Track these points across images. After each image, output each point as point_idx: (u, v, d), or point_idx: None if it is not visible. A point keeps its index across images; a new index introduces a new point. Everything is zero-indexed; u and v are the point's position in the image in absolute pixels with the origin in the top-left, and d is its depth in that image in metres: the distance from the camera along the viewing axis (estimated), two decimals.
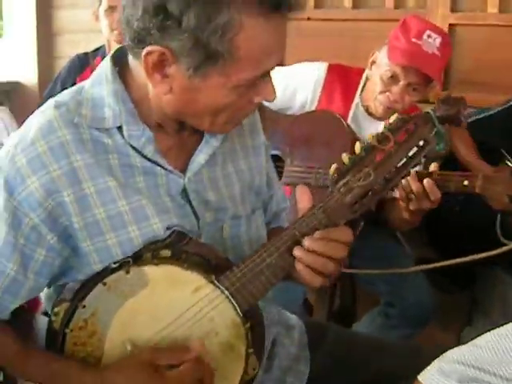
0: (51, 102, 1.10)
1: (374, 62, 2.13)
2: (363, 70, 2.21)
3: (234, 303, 1.10)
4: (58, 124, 1.06)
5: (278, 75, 2.30)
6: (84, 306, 1.05)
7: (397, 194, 1.93)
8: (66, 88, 1.17)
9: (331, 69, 2.25)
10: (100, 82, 1.11)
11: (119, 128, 1.09)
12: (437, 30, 2.06)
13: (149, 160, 1.11)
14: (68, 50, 3.56)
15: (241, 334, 1.13)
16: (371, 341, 1.55)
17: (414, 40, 2.01)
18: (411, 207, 1.72)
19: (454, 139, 2.06)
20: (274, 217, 1.40)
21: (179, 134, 1.16)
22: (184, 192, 1.15)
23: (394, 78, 2.04)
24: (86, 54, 3.05)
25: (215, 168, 1.20)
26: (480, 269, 2.29)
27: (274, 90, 1.09)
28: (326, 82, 2.24)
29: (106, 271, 1.07)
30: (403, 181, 1.68)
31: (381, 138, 1.10)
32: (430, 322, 2.21)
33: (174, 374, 1.03)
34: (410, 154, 1.12)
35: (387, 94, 2.06)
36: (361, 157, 1.10)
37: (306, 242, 1.08)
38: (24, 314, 1.14)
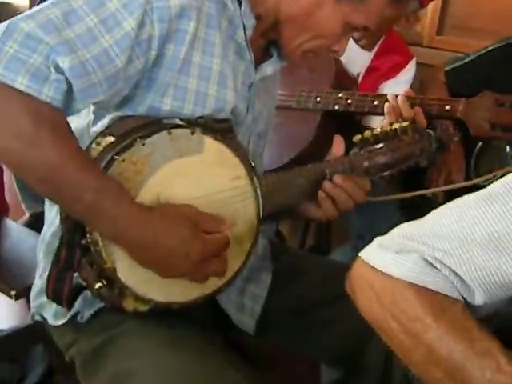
0: None
1: None
2: None
3: (260, 203, 1.21)
4: None
5: None
6: (144, 144, 1.05)
7: (377, 124, 1.95)
8: None
9: None
10: None
11: (239, 3, 1.16)
12: None
13: (246, 42, 1.19)
14: None
15: (252, 234, 1.22)
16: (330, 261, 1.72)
17: None
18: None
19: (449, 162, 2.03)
20: None
21: (261, 36, 1.25)
22: (249, 87, 1.25)
23: None
24: None
25: (263, 88, 1.31)
26: None
27: (346, 47, 1.28)
28: None
29: (172, 123, 1.10)
30: (395, 102, 1.72)
31: (401, 131, 1.42)
32: None
33: (212, 238, 1.09)
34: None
35: None
36: (381, 137, 1.40)
37: (337, 177, 1.29)
38: None
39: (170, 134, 1.07)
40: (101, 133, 1.08)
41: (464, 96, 1.74)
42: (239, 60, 1.20)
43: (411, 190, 1.69)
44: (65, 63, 0.92)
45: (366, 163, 1.37)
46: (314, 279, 1.43)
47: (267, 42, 1.28)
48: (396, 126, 1.42)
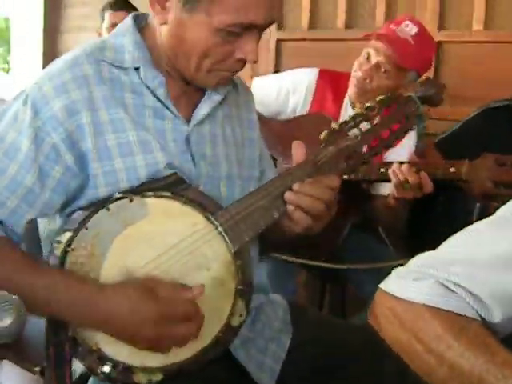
0: (79, 48, 1.23)
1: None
2: None
3: (227, 239, 1.17)
4: (82, 60, 1.18)
5: (271, 80, 2.41)
6: (87, 228, 1.10)
7: (385, 190, 2.02)
8: None
9: (322, 74, 2.33)
10: (122, 33, 1.25)
11: (136, 69, 1.21)
12: (417, 23, 2.13)
13: (160, 102, 1.22)
14: None
15: (231, 271, 1.18)
16: (350, 325, 1.65)
17: (391, 26, 2.11)
18: (403, 195, 1.79)
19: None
20: None
21: (187, 85, 1.26)
22: (187, 140, 1.24)
23: (368, 60, 2.12)
24: None
25: (215, 125, 1.30)
26: None
27: (256, 51, 1.18)
28: (318, 86, 2.31)
29: (111, 199, 1.13)
30: (400, 170, 1.77)
31: (368, 108, 1.28)
32: None
33: (168, 299, 1.10)
34: (394, 128, 1.31)
35: (358, 72, 2.14)
36: (349, 123, 1.27)
37: (295, 185, 1.22)
38: None
39: (108, 210, 1.12)
40: (59, 231, 1.14)
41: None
42: (160, 120, 1.22)
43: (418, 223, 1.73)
44: None
45: (336, 155, 1.26)
46: (331, 342, 1.42)
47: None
48: (362, 105, 1.31)
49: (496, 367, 0.79)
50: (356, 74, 2.15)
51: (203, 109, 1.27)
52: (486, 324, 0.86)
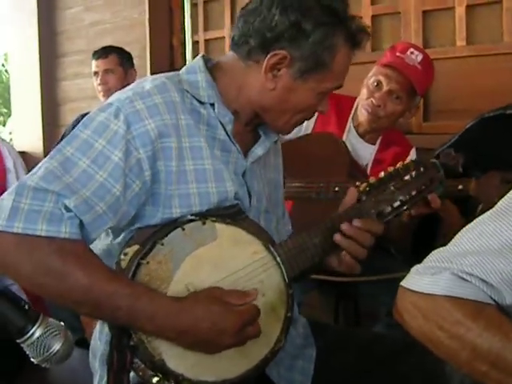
0: (158, 75, 1.32)
1: (364, 87, 2.32)
2: (355, 98, 2.39)
3: (283, 269, 1.29)
4: (170, 86, 1.28)
5: None
6: (162, 244, 1.19)
7: None
8: None
9: None
10: (194, 71, 1.35)
11: (212, 105, 1.32)
12: (420, 49, 2.29)
13: (228, 137, 1.33)
14: (72, 118, 3.76)
15: (283, 299, 1.30)
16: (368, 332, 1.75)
17: (398, 54, 2.23)
18: (413, 213, 1.89)
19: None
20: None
21: (244, 126, 1.39)
22: (243, 174, 1.36)
23: (378, 86, 2.23)
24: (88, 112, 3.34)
25: (259, 166, 1.43)
26: None
27: (328, 104, 1.40)
28: None
29: (184, 219, 1.23)
30: None
31: (404, 169, 1.48)
32: None
33: (243, 310, 1.20)
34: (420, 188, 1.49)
35: (371, 99, 2.25)
36: (386, 179, 1.46)
37: (343, 225, 1.36)
38: None
39: (183, 229, 1.21)
40: (126, 243, 1.22)
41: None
42: (226, 153, 1.33)
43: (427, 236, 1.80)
44: (71, 204, 1.11)
45: (373, 209, 1.42)
46: (354, 352, 1.50)
47: (254, 126, 1.41)
48: (398, 165, 1.49)
49: (510, 342, 0.89)
50: (368, 101, 2.25)
51: (258, 150, 1.39)
52: (499, 307, 0.96)
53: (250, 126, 1.40)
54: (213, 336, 1.17)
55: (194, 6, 3.74)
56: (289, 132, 1.43)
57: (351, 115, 2.39)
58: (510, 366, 0.88)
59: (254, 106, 1.35)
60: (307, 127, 2.39)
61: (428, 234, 2.20)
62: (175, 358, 1.17)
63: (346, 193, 2.00)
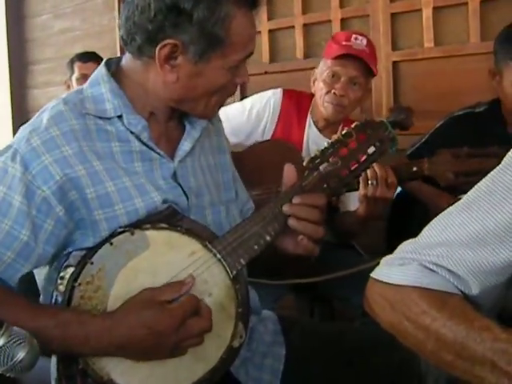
0: (59, 99, 1.26)
1: (315, 80, 2.35)
2: (313, 95, 2.41)
3: (225, 265, 1.24)
4: (68, 115, 1.22)
5: (237, 106, 2.51)
6: (92, 263, 1.15)
7: (355, 204, 2.12)
8: None
9: (286, 93, 2.44)
10: (97, 83, 1.29)
11: (119, 117, 1.26)
12: (360, 33, 2.32)
13: (145, 145, 1.27)
14: None
15: (232, 295, 1.24)
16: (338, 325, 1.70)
17: (344, 43, 2.26)
18: (372, 194, 1.90)
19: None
20: (240, 214, 1.52)
21: (167, 123, 1.33)
22: (174, 176, 1.30)
23: (335, 78, 2.25)
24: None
25: (194, 158, 1.36)
26: None
27: (247, 71, 1.31)
28: (283, 105, 2.42)
29: (113, 233, 1.19)
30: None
31: (345, 135, 1.38)
32: None
33: (176, 306, 1.15)
34: (370, 152, 1.40)
35: (333, 91, 2.26)
36: (329, 149, 1.36)
37: (284, 207, 1.28)
38: None
39: (111, 244, 1.17)
40: (61, 267, 1.18)
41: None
42: (148, 162, 1.27)
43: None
44: None
45: (318, 184, 1.33)
46: (326, 348, 1.47)
47: (178, 119, 1.35)
48: (339, 132, 1.40)
49: (475, 331, 0.88)
50: (330, 94, 2.27)
51: (185, 145, 1.33)
52: (466, 297, 0.96)
53: (174, 121, 1.35)
54: (153, 341, 1.13)
55: None
56: (213, 115, 1.38)
57: (309, 111, 2.41)
58: (475, 355, 0.87)
59: (166, 102, 1.29)
60: (271, 124, 2.41)
61: (402, 232, 2.22)
62: (124, 375, 1.15)
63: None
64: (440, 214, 1.02)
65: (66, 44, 4.00)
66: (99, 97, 1.27)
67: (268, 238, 1.28)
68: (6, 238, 1.14)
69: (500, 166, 0.97)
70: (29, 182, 1.15)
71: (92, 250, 1.17)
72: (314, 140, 2.40)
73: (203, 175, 1.38)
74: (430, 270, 0.97)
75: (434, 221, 1.03)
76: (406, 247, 1.03)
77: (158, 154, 1.28)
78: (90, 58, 3.20)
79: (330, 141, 1.37)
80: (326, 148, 1.36)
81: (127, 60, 1.30)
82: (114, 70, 1.32)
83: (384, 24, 2.93)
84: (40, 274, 1.29)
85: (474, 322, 0.90)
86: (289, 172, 1.33)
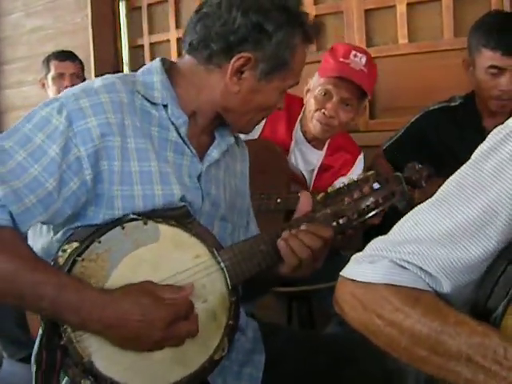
0: (113, 75, 1.32)
1: (308, 90, 2.27)
2: (303, 99, 2.32)
3: (227, 276, 1.26)
4: (119, 87, 1.27)
5: None
6: (100, 242, 1.16)
7: None
8: None
9: None
10: (150, 72, 1.35)
11: (165, 106, 1.31)
12: (361, 50, 2.25)
13: (182, 139, 1.32)
14: None
15: (226, 306, 1.26)
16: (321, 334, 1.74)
17: (341, 59, 2.17)
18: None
19: None
20: None
21: (202, 127, 1.39)
22: (198, 177, 1.35)
23: (327, 96, 2.17)
24: None
25: (218, 171, 1.42)
26: None
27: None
28: None
29: (125, 218, 1.20)
30: None
31: (362, 180, 1.48)
32: None
33: (173, 304, 1.17)
34: (380, 201, 1.48)
35: (322, 110, 2.19)
36: (344, 190, 1.46)
37: (284, 233, 1.34)
38: None
39: (123, 228, 1.18)
40: (66, 240, 1.20)
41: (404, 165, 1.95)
42: (180, 156, 1.32)
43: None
44: (0, 192, 1.10)
45: (327, 220, 1.40)
46: (305, 355, 1.48)
47: (211, 130, 1.40)
48: (357, 177, 1.49)
49: (449, 326, 0.87)
50: (319, 113, 2.20)
51: (214, 153, 1.38)
52: (438, 295, 0.95)
53: (208, 129, 1.40)
54: (142, 329, 1.13)
55: (137, 9, 3.71)
56: (250, 131, 1.45)
57: (299, 117, 2.35)
58: (450, 350, 0.86)
59: (216, 108, 1.35)
60: (257, 128, 2.35)
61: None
62: (105, 360, 1.13)
63: (287, 204, 2.06)
64: (411, 211, 1.01)
65: (39, 43, 3.93)
66: (150, 84, 1.33)
67: (274, 259, 1.33)
68: (32, 182, 1.14)
69: (470, 161, 0.95)
70: (69, 138, 1.17)
71: (102, 230, 1.18)
72: (299, 148, 2.36)
73: (224, 190, 1.42)
74: (401, 267, 0.96)
75: (404, 218, 1.01)
76: (375, 244, 1.01)
77: (191, 151, 1.34)
78: (67, 56, 3.15)
79: (346, 182, 1.47)
80: (341, 188, 1.45)
81: (187, 62, 1.37)
82: (168, 66, 1.38)
83: (358, 21, 2.93)
84: (36, 243, 1.29)
85: (448, 317, 0.89)
86: (305, 201, 1.49)
